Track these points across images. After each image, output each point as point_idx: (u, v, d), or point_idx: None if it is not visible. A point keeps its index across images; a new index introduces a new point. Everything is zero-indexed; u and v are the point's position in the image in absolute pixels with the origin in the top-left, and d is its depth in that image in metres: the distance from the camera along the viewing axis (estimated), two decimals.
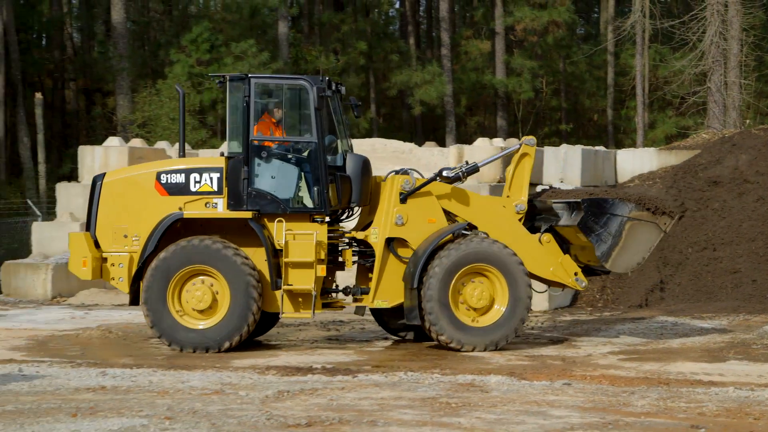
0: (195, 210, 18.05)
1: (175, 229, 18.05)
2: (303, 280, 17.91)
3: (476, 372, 15.65)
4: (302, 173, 18.15)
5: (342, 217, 18.92)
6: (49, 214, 33.65)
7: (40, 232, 28.75)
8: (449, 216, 18.49)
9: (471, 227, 18.32)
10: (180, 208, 18.05)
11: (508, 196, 18.59)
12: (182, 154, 19.16)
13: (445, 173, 18.62)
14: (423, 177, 18.72)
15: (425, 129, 58.36)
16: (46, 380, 14.92)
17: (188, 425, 11.87)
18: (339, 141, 18.66)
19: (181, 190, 18.13)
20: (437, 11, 59.97)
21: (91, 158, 29.79)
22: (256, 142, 18.03)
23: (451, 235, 18.03)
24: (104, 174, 18.78)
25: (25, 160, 48.06)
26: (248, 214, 17.90)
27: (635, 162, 29.51)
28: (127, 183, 18.49)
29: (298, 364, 16.52)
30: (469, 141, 34.67)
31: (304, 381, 14.90)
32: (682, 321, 21.92)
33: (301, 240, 17.92)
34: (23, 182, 46.96)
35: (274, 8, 49.34)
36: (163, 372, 15.65)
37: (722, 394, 13.92)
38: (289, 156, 18.24)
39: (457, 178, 18.66)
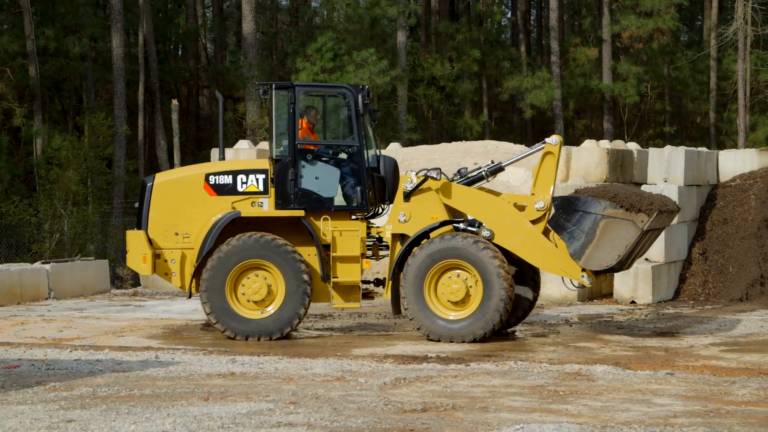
0: (242, 209, 18.32)
1: (226, 226, 18.26)
2: (350, 273, 18.27)
3: (583, 362, 15.53)
4: (344, 174, 18.39)
5: (375, 215, 19.00)
6: None
7: None
8: (459, 214, 18.36)
9: (478, 224, 18.00)
10: (233, 207, 18.31)
11: (533, 194, 18.15)
12: (222, 157, 19.49)
13: (462, 172, 18.59)
14: (446, 176, 18.48)
15: (535, 131, 58.04)
16: (181, 366, 15.11)
17: (311, 410, 11.93)
18: (371, 144, 18.81)
19: (229, 190, 18.43)
20: (547, 20, 59.62)
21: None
22: (301, 146, 18.25)
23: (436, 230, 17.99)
24: (154, 176, 19.13)
25: (162, 162, 48.76)
26: (300, 213, 18.18)
27: (737, 162, 29.01)
28: (177, 184, 18.79)
29: (414, 353, 16.53)
30: (576, 143, 34.35)
31: (419, 369, 14.91)
32: None
33: (348, 236, 18.29)
34: None
35: (394, 19, 49.41)
36: (288, 360, 15.76)
37: None
38: (333, 158, 18.50)
39: (480, 178, 18.53)
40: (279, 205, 18.31)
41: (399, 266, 18.04)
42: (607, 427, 11.01)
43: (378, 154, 18.86)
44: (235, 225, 18.33)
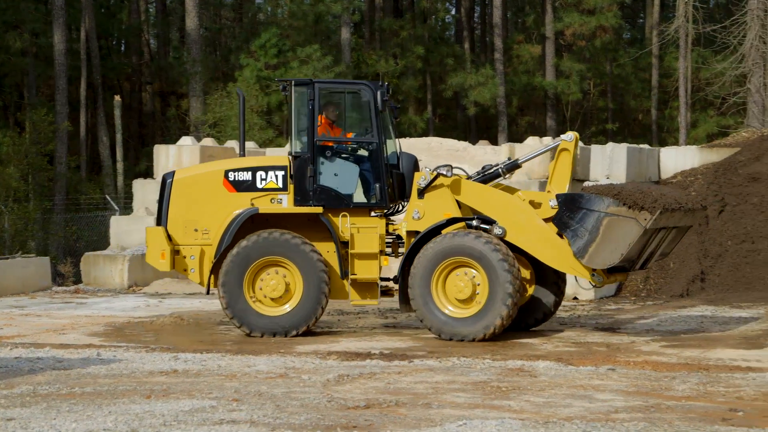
0: (262, 205, 18.20)
1: (245, 222, 18.20)
2: (368, 270, 18.14)
3: (525, 357, 15.60)
4: (364, 171, 18.28)
5: (394, 212, 18.94)
6: (126, 208, 33.88)
7: (117, 225, 28.95)
8: (473, 211, 18.23)
9: (490, 222, 17.81)
10: (252, 204, 18.21)
11: (549, 191, 18.03)
12: (242, 153, 19.32)
13: (486, 168, 18.49)
14: (465, 173, 18.49)
15: (479, 128, 58.22)
16: (123, 364, 15.02)
17: (254, 407, 11.90)
18: (390, 141, 18.74)
19: (248, 186, 18.31)
20: (491, 17, 59.75)
21: (165, 156, 29.98)
22: (320, 142, 18.14)
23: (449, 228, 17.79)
24: (174, 172, 19.00)
25: (105, 159, 48.46)
26: (318, 210, 18.08)
27: (678, 159, 29.26)
28: (197, 180, 18.68)
29: (358, 349, 16.53)
30: (520, 140, 34.54)
31: (362, 366, 14.91)
32: (721, 310, 21.74)
33: (366, 233, 18.18)
34: (102, 179, 47.33)
35: (338, 15, 49.39)
36: (231, 357, 15.72)
37: (759, 379, 13.80)
38: (352, 155, 18.39)
39: (496, 175, 18.43)
40: (298, 202, 18.19)
41: (408, 263, 17.85)
42: (549, 423, 11.05)
43: (398, 150, 18.73)
44: (254, 222, 18.25)
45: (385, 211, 18.45)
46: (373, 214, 18.31)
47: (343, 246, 18.20)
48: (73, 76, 49.83)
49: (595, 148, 27.73)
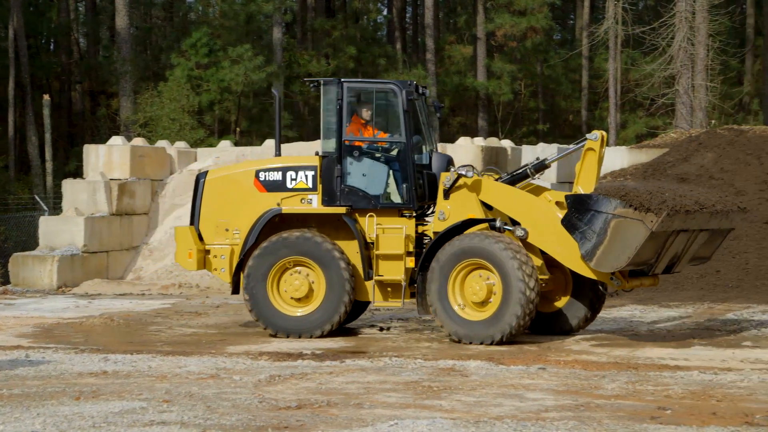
0: (292, 205, 18.12)
1: (274, 222, 18.15)
2: (393, 271, 17.88)
3: (457, 357, 15.65)
4: (391, 171, 18.07)
5: (428, 212, 18.68)
6: (56, 209, 33.56)
7: (46, 225, 28.64)
8: (498, 212, 17.77)
9: (514, 223, 17.53)
10: (278, 204, 18.12)
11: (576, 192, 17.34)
12: (278, 153, 18.99)
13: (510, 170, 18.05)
14: (497, 173, 18.22)
15: None
16: (51, 365, 14.88)
17: (185, 408, 11.84)
18: (424, 141, 18.58)
19: (278, 186, 18.21)
20: (422, 18, 59.83)
21: (95, 156, 29.75)
22: (347, 142, 18.01)
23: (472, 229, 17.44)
24: (206, 172, 18.99)
25: (34, 158, 47.96)
26: (341, 210, 17.96)
27: (607, 160, 29.18)
28: (228, 180, 18.65)
29: (289, 350, 16.50)
30: (452, 140, 34.59)
31: (294, 366, 14.88)
32: (650, 309, 21.93)
33: (391, 234, 17.90)
34: (31, 179, 46.86)
35: (269, 15, 49.24)
36: (161, 358, 15.62)
37: (687, 378, 13.94)
38: (379, 155, 18.16)
39: (525, 175, 18.01)
40: (326, 202, 18.02)
41: (427, 264, 17.53)
42: (480, 422, 11.09)
43: (431, 150, 18.53)
44: (284, 221, 18.17)
45: (414, 212, 18.12)
46: (404, 214, 18.05)
47: (370, 246, 17.99)
48: (1, 75, 49.28)
49: (526, 149, 27.92)
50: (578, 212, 16.48)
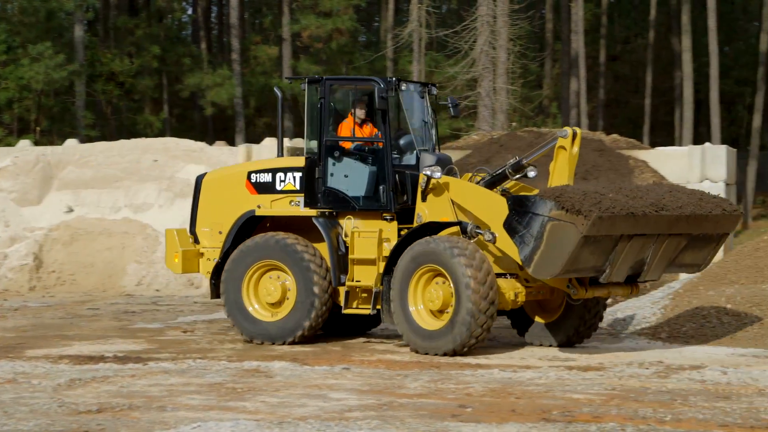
0: (279, 207, 17.61)
1: (264, 226, 17.66)
2: (366, 277, 17.05)
3: (261, 358, 15.64)
4: (370, 172, 17.20)
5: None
6: None
7: None
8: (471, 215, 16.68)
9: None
10: (258, 206, 17.62)
11: None
12: (280, 154, 18.50)
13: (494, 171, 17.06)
14: (488, 173, 17.12)
15: (216, 129, 57.99)
16: None
17: None
18: (416, 140, 17.58)
19: (267, 188, 17.69)
20: (228, 18, 59.49)
21: None
22: (328, 143, 17.34)
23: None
24: (205, 173, 18.51)
25: None
26: (314, 212, 17.31)
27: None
28: (222, 181, 18.19)
29: (91, 353, 16.24)
30: (257, 140, 34.53)
31: (95, 369, 14.65)
32: None
33: (365, 237, 17.07)
34: None
35: (71, 12, 48.34)
36: None
37: (488, 376, 14.21)
38: (360, 155, 17.34)
39: (504, 176, 16.91)
40: (308, 204, 17.32)
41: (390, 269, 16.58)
42: (284, 423, 11.11)
43: (422, 150, 17.46)
44: (273, 225, 17.62)
45: (394, 215, 17.18)
46: (385, 217, 17.17)
47: (346, 251, 17.21)
48: None
49: None
50: (518, 215, 15.42)
